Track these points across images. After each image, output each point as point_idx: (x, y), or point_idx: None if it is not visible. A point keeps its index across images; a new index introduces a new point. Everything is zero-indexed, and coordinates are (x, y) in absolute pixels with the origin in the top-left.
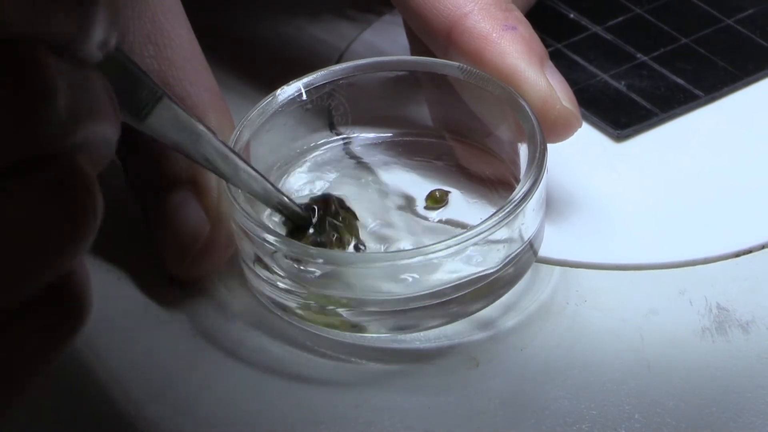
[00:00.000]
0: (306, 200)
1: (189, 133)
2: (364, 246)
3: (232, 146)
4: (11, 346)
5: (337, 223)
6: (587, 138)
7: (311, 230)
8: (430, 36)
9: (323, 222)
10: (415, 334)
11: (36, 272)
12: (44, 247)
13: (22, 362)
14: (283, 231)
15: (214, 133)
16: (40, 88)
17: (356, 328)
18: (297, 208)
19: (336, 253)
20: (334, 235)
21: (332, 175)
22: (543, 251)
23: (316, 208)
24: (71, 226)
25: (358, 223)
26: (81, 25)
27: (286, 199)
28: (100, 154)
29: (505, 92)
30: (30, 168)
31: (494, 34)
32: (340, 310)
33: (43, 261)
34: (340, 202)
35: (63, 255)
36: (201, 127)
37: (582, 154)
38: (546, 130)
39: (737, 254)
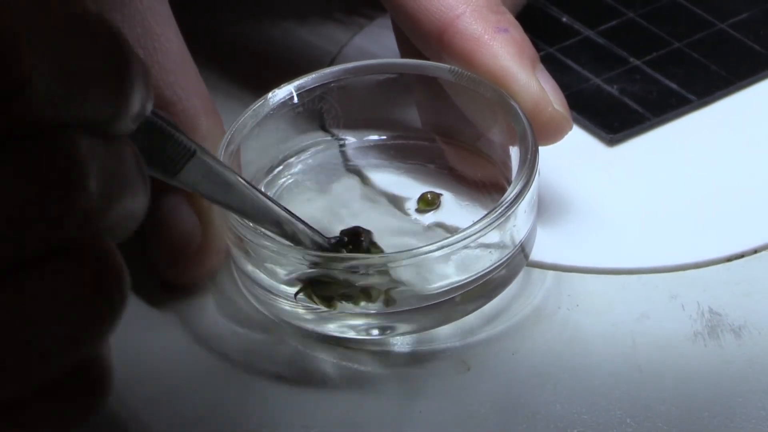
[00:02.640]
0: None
1: (221, 185)
2: (394, 301)
3: (223, 150)
4: (30, 425)
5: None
6: (580, 142)
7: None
8: (421, 38)
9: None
10: (406, 338)
11: (63, 356)
12: (73, 332)
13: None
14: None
15: (244, 180)
16: (73, 175)
17: (350, 329)
18: (328, 246)
19: (325, 254)
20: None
21: (323, 179)
22: (535, 255)
23: (345, 243)
24: (100, 312)
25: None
26: (120, 104)
27: (316, 238)
28: (127, 228)
29: (497, 95)
30: (60, 253)
31: (486, 37)
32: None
33: (71, 345)
34: (370, 238)
35: (91, 339)
36: (233, 178)
37: (574, 158)
38: (537, 132)
39: (729, 258)
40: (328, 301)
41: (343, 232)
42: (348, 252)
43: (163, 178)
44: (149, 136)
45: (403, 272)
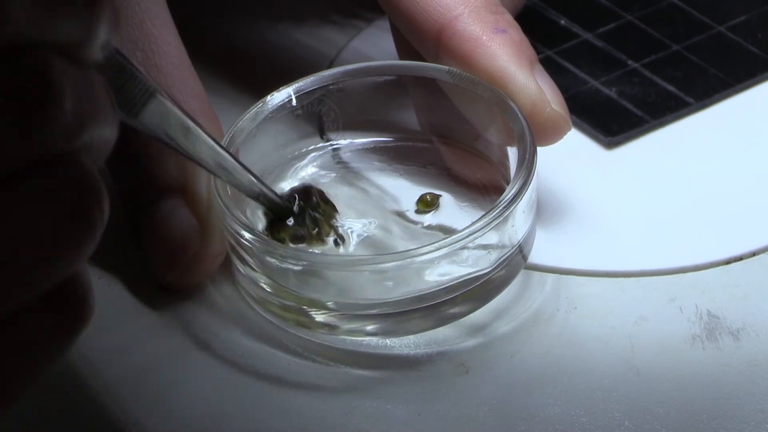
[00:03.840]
0: (287, 191)
1: (180, 128)
2: (343, 240)
3: None
4: (15, 346)
5: (317, 215)
6: (578, 145)
7: (291, 221)
8: (419, 39)
9: (303, 213)
10: (404, 340)
11: (44, 273)
12: (53, 249)
13: (25, 362)
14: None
15: (202, 128)
16: (50, 91)
17: (345, 331)
18: (278, 199)
19: (322, 255)
20: (314, 229)
21: (323, 181)
22: (533, 258)
23: (296, 198)
24: (80, 227)
25: (338, 216)
26: (89, 28)
27: (266, 190)
28: (100, 154)
29: (495, 95)
30: (39, 170)
31: (484, 37)
32: (324, 312)
33: (52, 262)
34: (321, 194)
35: (71, 256)
36: (191, 123)
37: (573, 161)
38: (535, 133)
39: (728, 261)
40: (281, 240)
41: (293, 189)
42: (299, 207)
43: (125, 119)
44: (112, 74)
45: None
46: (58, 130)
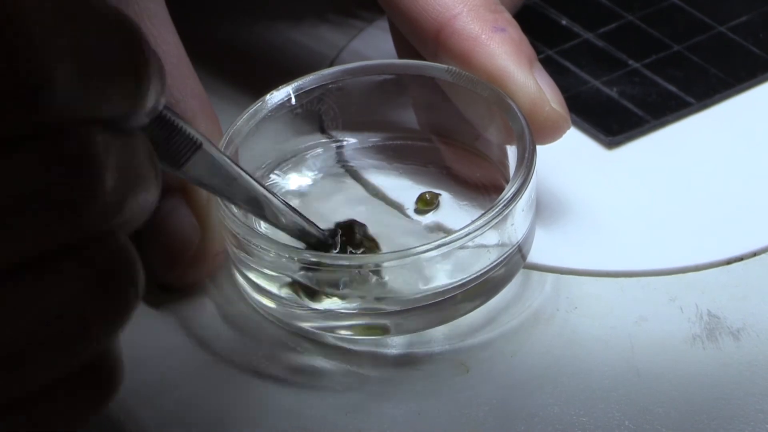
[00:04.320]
0: (330, 225)
1: (224, 177)
2: (383, 282)
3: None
4: (42, 420)
5: (359, 254)
6: (578, 145)
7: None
8: (418, 38)
9: (345, 252)
10: (404, 339)
11: (77, 352)
12: (87, 326)
13: (57, 424)
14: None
15: (247, 174)
16: (90, 170)
17: (345, 329)
18: (321, 236)
19: (323, 254)
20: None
21: (322, 180)
22: (533, 257)
23: (339, 236)
24: (115, 307)
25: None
26: (136, 100)
27: (309, 227)
28: (138, 221)
29: (494, 94)
30: (77, 249)
31: (483, 36)
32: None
33: (86, 339)
34: (364, 231)
35: (105, 332)
36: (235, 171)
37: (573, 160)
38: (535, 132)
39: (728, 261)
40: (312, 295)
41: (338, 224)
42: (341, 245)
43: (169, 170)
44: (157, 128)
45: (400, 273)
46: (98, 211)
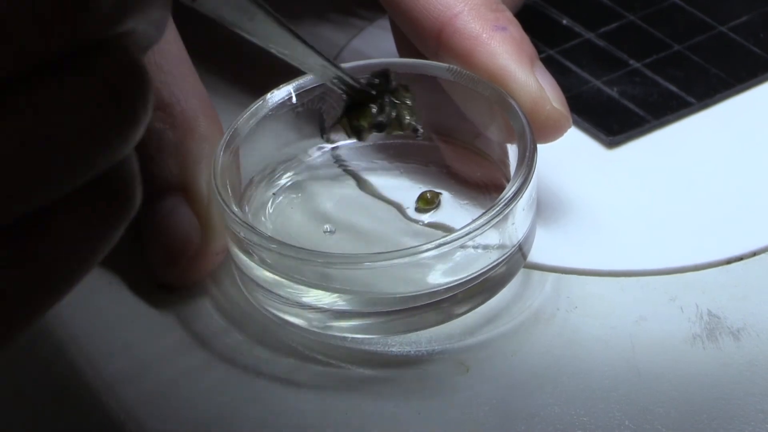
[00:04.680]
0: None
1: (243, 11)
2: (421, 130)
3: (221, 151)
4: (62, 233)
5: (396, 101)
6: (579, 144)
7: (370, 106)
8: (420, 37)
9: (382, 99)
10: (404, 338)
11: (90, 161)
12: (96, 134)
13: (72, 251)
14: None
15: (267, 9)
16: None
17: (344, 329)
18: (355, 83)
19: (323, 253)
20: (393, 113)
21: (323, 179)
22: (534, 257)
23: (377, 82)
24: (123, 112)
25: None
26: None
27: (342, 73)
28: (148, 37)
29: (495, 93)
30: (82, 57)
31: (484, 35)
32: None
33: (95, 148)
34: (399, 79)
35: (117, 143)
36: (255, 5)
37: (574, 160)
38: (536, 131)
39: (728, 261)
40: (359, 132)
41: (372, 73)
42: (378, 92)
43: (185, 1)
44: None
45: (401, 272)
46: (104, 11)
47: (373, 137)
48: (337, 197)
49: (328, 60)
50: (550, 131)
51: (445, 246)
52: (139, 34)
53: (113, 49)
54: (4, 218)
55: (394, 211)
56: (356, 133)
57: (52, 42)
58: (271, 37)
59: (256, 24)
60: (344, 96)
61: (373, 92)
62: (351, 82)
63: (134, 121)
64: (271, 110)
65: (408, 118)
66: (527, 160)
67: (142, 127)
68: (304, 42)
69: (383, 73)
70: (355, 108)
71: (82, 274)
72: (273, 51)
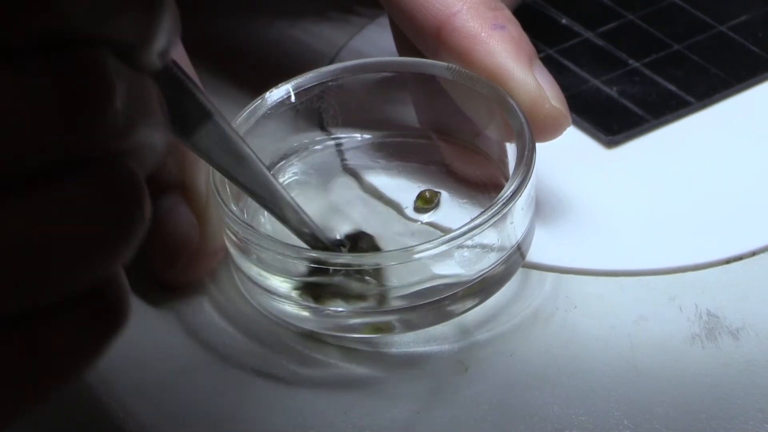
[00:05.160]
0: (336, 235)
1: (233, 156)
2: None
3: None
4: (46, 346)
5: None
6: (578, 144)
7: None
8: (418, 36)
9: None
10: (403, 338)
11: (79, 272)
12: (92, 246)
13: (56, 363)
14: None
15: (257, 157)
16: (101, 88)
17: (343, 328)
18: (327, 242)
19: (322, 252)
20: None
21: (322, 178)
22: (533, 257)
23: (346, 245)
24: (118, 229)
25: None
26: (147, 31)
27: (317, 230)
28: (147, 163)
29: (494, 92)
30: (83, 169)
31: (483, 34)
32: (322, 309)
33: (85, 262)
34: (371, 242)
35: (108, 258)
36: (246, 150)
37: (573, 159)
38: (535, 129)
39: (728, 261)
40: (317, 298)
41: (347, 236)
42: (348, 252)
43: (178, 137)
44: (168, 87)
45: (400, 271)
46: (106, 128)
47: (373, 135)
48: (335, 196)
49: (307, 217)
50: (549, 130)
51: (443, 245)
52: (140, 158)
53: (113, 165)
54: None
55: (393, 210)
56: (314, 298)
57: (53, 150)
58: (254, 185)
59: (242, 169)
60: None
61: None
62: (324, 241)
63: (129, 231)
64: (270, 109)
65: (374, 281)
66: (526, 159)
67: (134, 244)
68: (287, 195)
69: (355, 237)
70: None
71: (70, 379)
72: (253, 198)
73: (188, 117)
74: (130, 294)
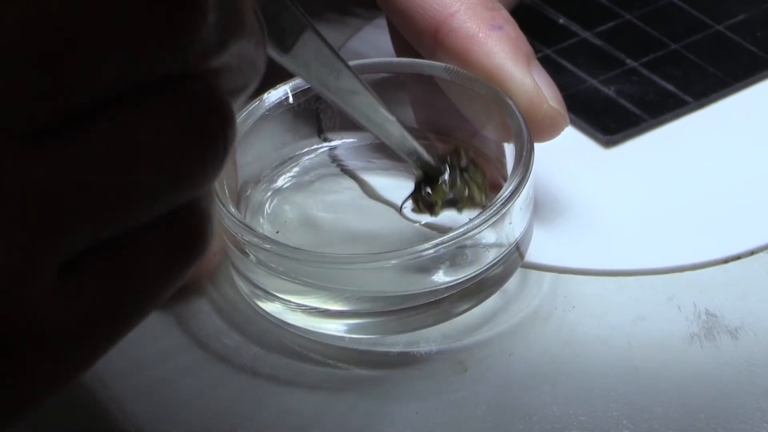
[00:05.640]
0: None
1: (331, 69)
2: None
3: None
4: (135, 265)
5: (467, 178)
6: (576, 144)
7: (443, 182)
8: (416, 37)
9: (454, 175)
10: (402, 338)
11: (164, 194)
12: (175, 169)
13: (139, 288)
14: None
15: (355, 73)
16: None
17: (340, 328)
18: (429, 158)
19: (321, 254)
20: (465, 190)
21: (319, 179)
22: (531, 257)
23: (448, 159)
24: (202, 150)
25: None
26: None
27: (418, 147)
28: (245, 79)
29: (492, 92)
30: (170, 87)
31: (480, 34)
32: (319, 310)
33: (173, 180)
34: (471, 155)
35: (190, 180)
36: (343, 64)
37: (571, 159)
38: (533, 129)
39: (726, 260)
40: (431, 208)
41: (446, 150)
42: (450, 168)
43: (276, 54)
44: (265, 4)
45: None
46: (198, 43)
47: (371, 136)
48: (333, 197)
49: (406, 131)
50: (546, 130)
51: (442, 246)
52: (235, 74)
53: (205, 85)
54: (91, 235)
55: (391, 210)
56: (429, 207)
57: (149, 66)
58: (355, 97)
59: (342, 82)
60: (416, 170)
61: (446, 168)
62: (425, 156)
63: (211, 159)
64: (268, 110)
65: (479, 194)
66: (524, 159)
67: (218, 167)
68: (386, 108)
69: (455, 151)
70: (428, 183)
71: (149, 307)
72: (351, 114)
73: (284, 31)
74: (213, 222)
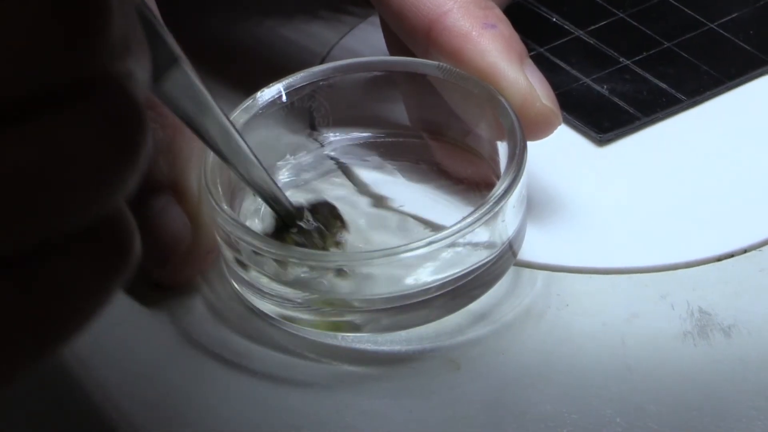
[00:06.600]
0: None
1: (198, 105)
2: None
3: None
4: (49, 285)
5: (323, 229)
6: (569, 142)
7: (296, 230)
8: (409, 35)
9: (310, 224)
10: (395, 337)
11: (83, 201)
12: (94, 174)
13: (59, 305)
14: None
15: (222, 111)
16: (100, 13)
17: (332, 327)
18: (287, 204)
19: (313, 252)
20: (319, 242)
21: (313, 177)
22: (524, 255)
23: (305, 209)
24: (118, 153)
25: (346, 234)
26: None
27: (278, 191)
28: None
29: (485, 91)
30: (80, 90)
31: (474, 33)
32: (312, 308)
33: (92, 188)
34: (332, 210)
35: (111, 185)
36: (211, 101)
37: (564, 158)
38: (526, 128)
39: (719, 258)
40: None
41: (310, 204)
42: (306, 218)
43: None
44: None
45: (390, 270)
46: (107, 46)
47: (364, 134)
48: (326, 195)
49: (271, 179)
50: (539, 128)
51: (435, 244)
52: (133, 73)
53: (111, 86)
54: (1, 247)
55: (383, 209)
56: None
57: (52, 69)
58: (222, 137)
59: (207, 120)
60: (275, 216)
61: (302, 221)
62: (284, 202)
63: (128, 162)
64: (261, 109)
65: (332, 246)
66: (517, 157)
67: (136, 172)
68: (252, 153)
69: (316, 204)
70: (284, 229)
71: (77, 325)
72: (216, 152)
73: (157, 60)
74: (137, 236)
